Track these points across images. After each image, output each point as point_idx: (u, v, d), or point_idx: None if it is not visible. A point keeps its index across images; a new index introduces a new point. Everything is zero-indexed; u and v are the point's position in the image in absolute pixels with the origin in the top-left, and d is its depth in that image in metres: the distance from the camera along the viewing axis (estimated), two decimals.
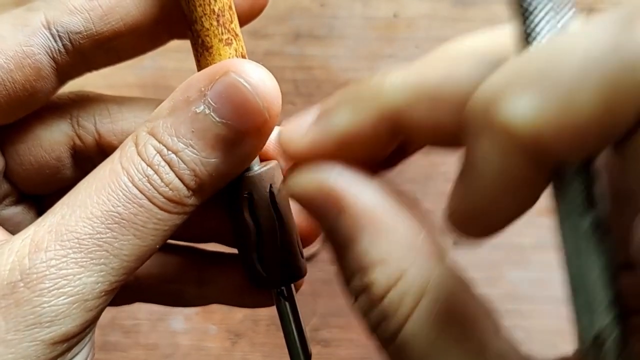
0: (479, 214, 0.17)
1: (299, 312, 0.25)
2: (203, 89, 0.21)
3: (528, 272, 0.42)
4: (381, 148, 0.20)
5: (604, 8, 0.45)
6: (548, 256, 0.40)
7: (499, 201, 0.17)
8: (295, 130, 0.20)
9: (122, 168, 0.21)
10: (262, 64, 0.22)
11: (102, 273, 0.21)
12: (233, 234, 0.25)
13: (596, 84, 0.14)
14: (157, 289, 0.27)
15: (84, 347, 0.22)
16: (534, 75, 0.15)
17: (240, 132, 0.21)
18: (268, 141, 0.23)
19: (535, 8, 0.17)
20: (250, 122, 0.21)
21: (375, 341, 0.20)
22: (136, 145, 0.22)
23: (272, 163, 0.24)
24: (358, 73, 0.44)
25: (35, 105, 0.24)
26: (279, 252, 0.24)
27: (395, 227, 0.19)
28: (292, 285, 0.25)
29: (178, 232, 0.23)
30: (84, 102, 0.26)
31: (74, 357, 0.22)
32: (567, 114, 0.14)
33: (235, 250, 0.26)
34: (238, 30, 0.23)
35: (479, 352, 0.19)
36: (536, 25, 0.17)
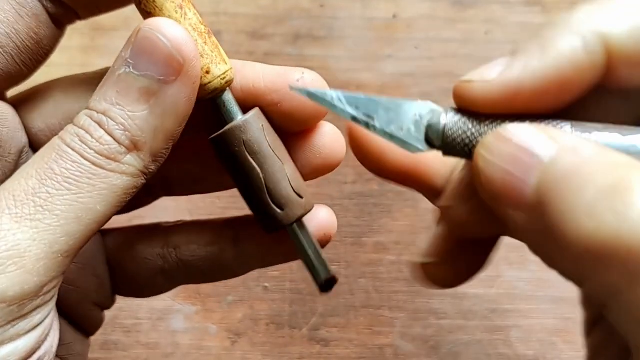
0: None
1: (316, 242, 0.26)
2: (124, 54, 0.22)
3: (527, 272, 0.42)
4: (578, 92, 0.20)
5: None
6: None
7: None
8: (487, 69, 0.20)
9: (58, 137, 0.22)
10: None
11: (37, 230, 0.21)
12: (238, 187, 0.26)
13: None
14: (197, 256, 0.27)
15: (32, 329, 0.21)
16: None
17: (160, 80, 0.22)
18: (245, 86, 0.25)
19: None
20: (165, 66, 0.22)
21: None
22: (73, 121, 0.22)
23: (254, 110, 0.25)
24: (358, 73, 0.44)
25: (45, 54, 0.25)
26: (288, 186, 0.25)
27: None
28: (302, 221, 0.26)
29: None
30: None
31: (18, 336, 0.21)
32: None
33: None
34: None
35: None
36: None
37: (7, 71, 0.24)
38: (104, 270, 0.28)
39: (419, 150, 0.21)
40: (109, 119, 0.22)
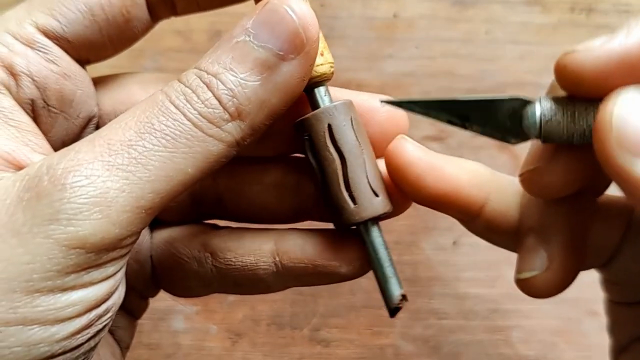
0: None
1: (388, 249, 0.25)
2: (245, 23, 0.22)
3: None
4: None
5: (604, 8, 0.45)
6: None
7: None
8: (593, 41, 0.20)
9: (162, 91, 0.22)
10: None
11: (127, 181, 0.20)
12: (317, 175, 0.25)
13: None
14: (232, 266, 0.27)
15: (104, 279, 0.21)
16: None
17: (279, 54, 0.22)
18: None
19: None
20: (288, 42, 0.22)
21: None
22: (179, 77, 0.22)
23: (347, 100, 0.25)
24: (358, 73, 0.44)
25: (131, 38, 0.25)
26: (367, 181, 0.24)
27: None
28: (379, 223, 0.25)
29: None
30: None
31: (90, 284, 0.21)
32: None
33: None
34: None
35: None
36: None
37: (91, 40, 0.24)
38: (147, 258, 0.28)
39: (518, 142, 0.22)
40: (219, 82, 0.21)
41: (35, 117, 0.24)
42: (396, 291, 0.24)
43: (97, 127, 0.26)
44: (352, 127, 0.24)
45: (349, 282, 0.27)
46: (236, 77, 0.22)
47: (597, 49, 0.20)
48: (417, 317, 0.41)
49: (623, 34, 0.19)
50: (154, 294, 0.29)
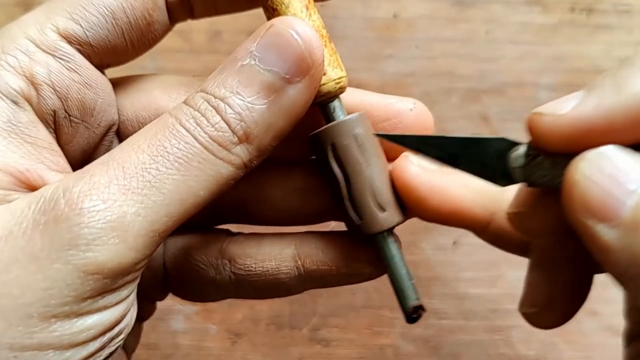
0: None
1: (403, 256, 0.25)
2: (249, 46, 0.22)
3: None
4: None
5: (604, 8, 0.45)
6: None
7: None
8: (560, 103, 0.20)
9: (171, 115, 0.22)
10: None
11: (142, 205, 0.20)
12: (329, 187, 0.25)
13: None
14: (252, 272, 0.27)
15: (118, 303, 0.21)
16: None
17: (285, 78, 0.22)
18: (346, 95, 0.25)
19: None
20: (294, 66, 0.22)
21: None
22: (185, 100, 0.22)
23: (357, 113, 0.25)
24: (358, 73, 0.44)
25: (152, 40, 0.25)
26: (371, 198, 0.24)
27: None
28: (394, 232, 0.25)
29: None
30: None
31: (105, 308, 0.21)
32: None
33: None
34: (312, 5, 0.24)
35: None
36: None
37: (113, 44, 0.24)
38: (160, 265, 0.28)
39: (506, 184, 0.22)
40: (227, 106, 0.22)
41: (56, 129, 0.24)
42: (412, 299, 0.24)
43: (118, 134, 0.26)
44: (356, 144, 0.24)
45: None
46: (243, 100, 0.22)
47: (562, 116, 0.20)
48: None
49: (591, 101, 0.19)
50: (163, 298, 0.29)
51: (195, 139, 0.21)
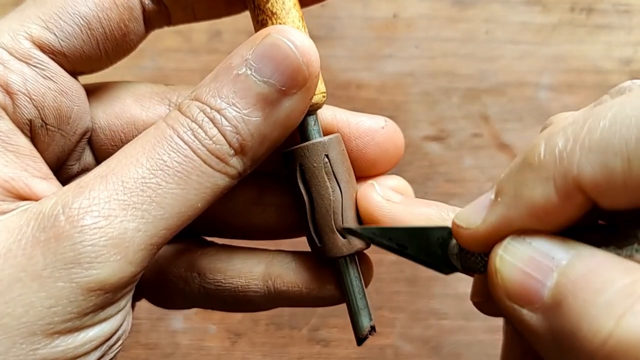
0: None
1: (363, 284, 0.25)
2: (244, 54, 0.22)
3: None
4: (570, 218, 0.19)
5: (604, 8, 0.45)
6: None
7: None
8: (473, 212, 0.20)
9: (167, 125, 0.22)
10: None
11: (143, 220, 0.20)
12: (295, 205, 0.25)
13: None
14: (221, 287, 0.26)
15: (117, 313, 0.21)
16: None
17: (281, 90, 0.22)
18: (328, 117, 0.25)
19: None
20: (291, 78, 0.22)
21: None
22: (179, 108, 0.22)
23: (332, 135, 0.25)
24: (357, 73, 0.44)
25: (127, 50, 0.25)
26: (334, 223, 0.24)
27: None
28: (356, 257, 0.25)
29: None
30: (182, 90, 0.26)
31: (105, 319, 0.21)
32: None
33: None
34: (298, 12, 0.24)
35: None
36: None
37: (88, 54, 0.23)
38: None
39: (448, 272, 0.22)
40: (223, 118, 0.21)
41: (32, 137, 0.23)
42: (365, 323, 0.25)
43: (91, 141, 0.26)
44: (325, 168, 0.24)
45: None
46: (239, 112, 0.21)
47: (476, 229, 0.20)
48: (417, 317, 0.41)
49: (496, 213, 0.19)
50: (138, 300, 0.29)
51: (194, 152, 0.21)
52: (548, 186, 0.18)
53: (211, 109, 0.21)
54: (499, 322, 0.23)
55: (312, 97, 0.23)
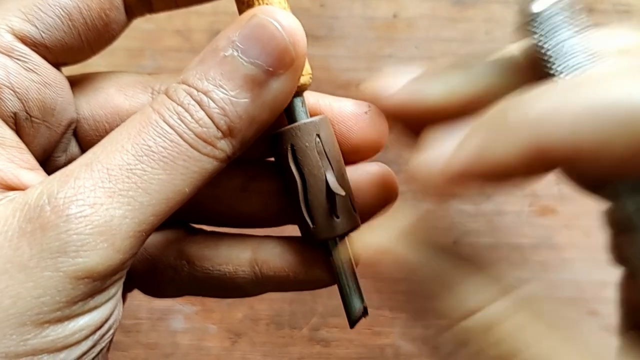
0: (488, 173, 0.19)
1: (354, 266, 0.25)
2: (230, 36, 0.22)
3: (527, 272, 0.42)
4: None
5: (604, 8, 0.45)
6: (547, 256, 0.40)
7: (486, 176, 0.19)
8: (389, 84, 0.21)
9: (153, 110, 0.21)
10: None
11: (129, 207, 0.20)
12: (284, 190, 0.25)
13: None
14: (210, 274, 0.26)
15: (107, 301, 0.21)
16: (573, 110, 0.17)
17: (268, 71, 0.22)
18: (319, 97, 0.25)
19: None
20: (278, 59, 0.22)
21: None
22: (166, 92, 0.22)
23: (320, 116, 0.25)
24: (358, 73, 0.44)
25: (108, 39, 0.24)
26: (327, 203, 0.24)
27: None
28: (346, 239, 0.25)
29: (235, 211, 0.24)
30: (165, 78, 0.26)
31: (95, 308, 0.21)
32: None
33: None
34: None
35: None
36: (562, 45, 0.20)
37: (70, 45, 0.23)
38: None
39: None
40: (210, 100, 0.21)
41: (18, 130, 0.23)
42: (357, 305, 0.25)
43: (76, 132, 0.26)
44: (317, 148, 0.24)
45: None
46: (226, 94, 0.21)
47: (390, 96, 0.21)
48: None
49: (417, 84, 0.21)
50: (129, 291, 0.29)
51: (180, 136, 0.21)
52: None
53: (198, 91, 0.21)
54: None
55: (299, 78, 0.23)
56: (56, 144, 0.25)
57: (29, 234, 0.20)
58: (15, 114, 0.23)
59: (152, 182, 0.21)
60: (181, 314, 0.41)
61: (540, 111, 0.18)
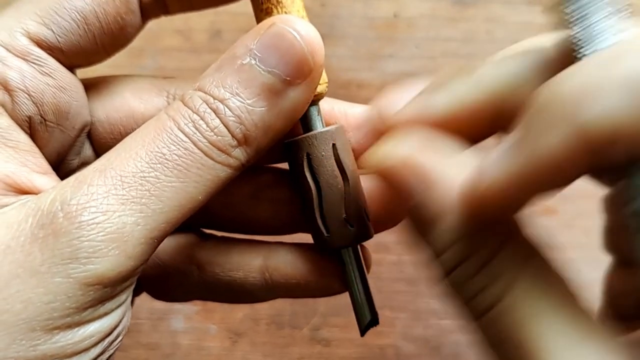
0: (519, 190, 0.18)
1: (366, 275, 0.25)
2: (249, 44, 0.22)
3: None
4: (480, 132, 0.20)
5: None
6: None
7: (543, 181, 0.17)
8: (395, 101, 0.21)
9: (168, 117, 0.21)
10: None
11: (142, 214, 0.20)
12: (298, 197, 0.25)
13: None
14: (220, 280, 0.26)
15: (117, 307, 0.21)
16: (614, 83, 0.16)
17: (286, 80, 0.22)
18: (333, 107, 0.25)
19: (590, 11, 0.18)
20: (295, 69, 0.22)
21: (466, 313, 0.20)
22: (182, 99, 0.22)
23: (336, 125, 0.25)
24: (358, 73, 0.44)
25: (123, 42, 0.25)
26: (341, 212, 0.24)
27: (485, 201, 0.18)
28: (359, 248, 0.25)
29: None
30: (180, 83, 0.26)
31: (105, 314, 0.21)
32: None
33: None
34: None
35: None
36: (593, 28, 0.18)
37: (85, 48, 0.23)
38: None
39: None
40: (226, 108, 0.21)
41: (32, 133, 0.23)
42: (368, 313, 0.25)
43: (90, 135, 0.26)
44: (333, 156, 0.24)
45: None
46: (243, 102, 0.21)
47: (397, 111, 0.21)
48: (417, 317, 0.41)
49: (424, 97, 0.21)
50: (138, 294, 0.29)
51: (195, 144, 0.21)
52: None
53: (214, 99, 0.21)
54: None
55: (316, 87, 0.23)
56: (70, 147, 0.25)
57: (41, 239, 0.20)
58: (30, 117, 0.23)
59: (165, 190, 0.21)
60: (181, 314, 0.41)
61: (578, 87, 0.16)
